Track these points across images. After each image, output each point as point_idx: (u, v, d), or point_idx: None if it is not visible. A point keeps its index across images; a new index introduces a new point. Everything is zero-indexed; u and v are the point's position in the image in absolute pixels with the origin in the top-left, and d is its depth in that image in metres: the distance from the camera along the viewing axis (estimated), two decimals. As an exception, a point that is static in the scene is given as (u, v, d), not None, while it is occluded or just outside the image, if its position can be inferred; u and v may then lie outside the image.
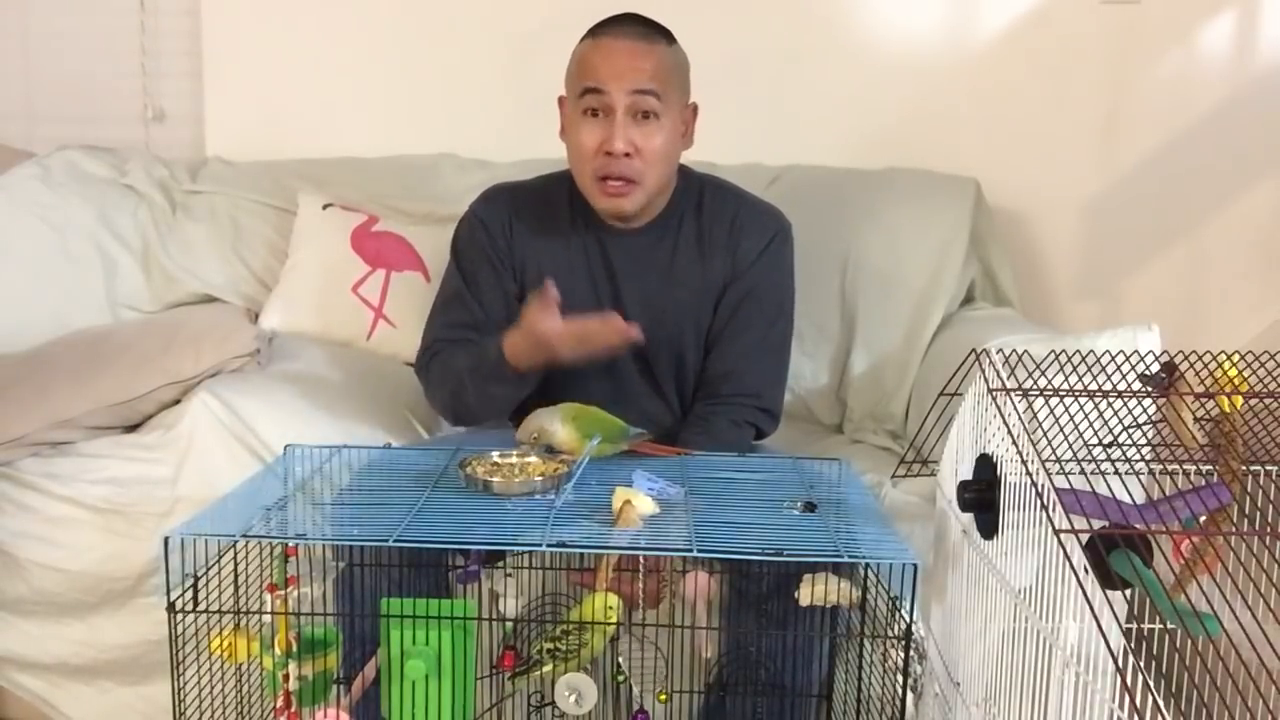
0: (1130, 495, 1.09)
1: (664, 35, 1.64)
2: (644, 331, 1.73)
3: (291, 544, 1.24)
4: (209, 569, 1.19)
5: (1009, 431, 1.07)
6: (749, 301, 1.72)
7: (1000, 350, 1.20)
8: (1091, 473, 1.15)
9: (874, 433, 2.11)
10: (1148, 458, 1.25)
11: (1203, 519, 1.12)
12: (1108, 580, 1.01)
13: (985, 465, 1.16)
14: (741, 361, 1.72)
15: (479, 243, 1.73)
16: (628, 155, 1.60)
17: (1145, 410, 1.22)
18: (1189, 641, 0.88)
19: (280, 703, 1.23)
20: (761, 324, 1.72)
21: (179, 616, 1.16)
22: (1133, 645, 0.86)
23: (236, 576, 1.23)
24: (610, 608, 1.27)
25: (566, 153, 1.69)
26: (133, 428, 1.79)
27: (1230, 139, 2.39)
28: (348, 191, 2.33)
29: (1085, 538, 0.96)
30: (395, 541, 1.14)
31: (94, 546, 1.69)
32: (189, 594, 1.16)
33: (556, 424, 1.40)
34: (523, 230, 1.73)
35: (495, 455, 1.41)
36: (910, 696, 1.21)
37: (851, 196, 2.24)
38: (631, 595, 1.37)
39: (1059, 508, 0.93)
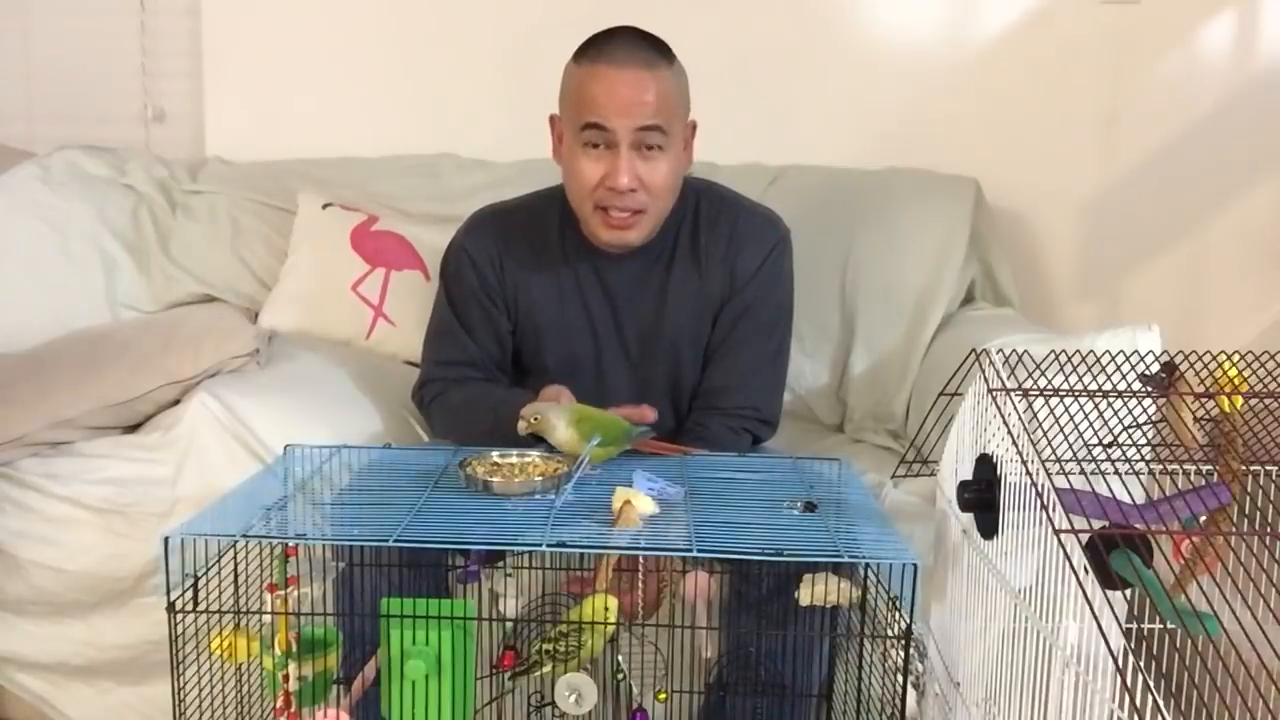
0: (1130, 495, 1.09)
1: (664, 55, 1.56)
2: (640, 352, 1.72)
3: (291, 544, 1.24)
4: (209, 569, 1.19)
5: (1009, 431, 1.07)
6: (748, 316, 1.69)
7: (1000, 350, 1.20)
8: (1091, 473, 1.15)
9: (874, 433, 2.11)
10: (1148, 458, 1.25)
11: (1203, 519, 1.12)
12: (1108, 580, 1.01)
13: (985, 465, 1.16)
14: (741, 375, 1.70)
15: (468, 282, 1.69)
16: (632, 190, 1.55)
17: (1145, 410, 1.22)
18: (1189, 641, 0.88)
19: (280, 703, 1.23)
20: (761, 338, 1.70)
21: (179, 616, 1.16)
22: (1133, 645, 0.86)
23: (236, 576, 1.23)
24: (608, 609, 1.26)
25: (563, 177, 1.65)
26: (133, 428, 1.79)
27: (1230, 139, 2.39)
28: (348, 191, 2.33)
29: (1085, 538, 0.96)
30: (395, 541, 1.14)
31: (94, 546, 1.69)
32: (189, 594, 1.16)
33: (560, 421, 1.39)
34: (513, 261, 1.69)
35: (495, 455, 1.41)
36: (913, 694, 1.21)
37: (851, 196, 2.24)
38: (630, 605, 1.36)
39: (1059, 508, 0.93)
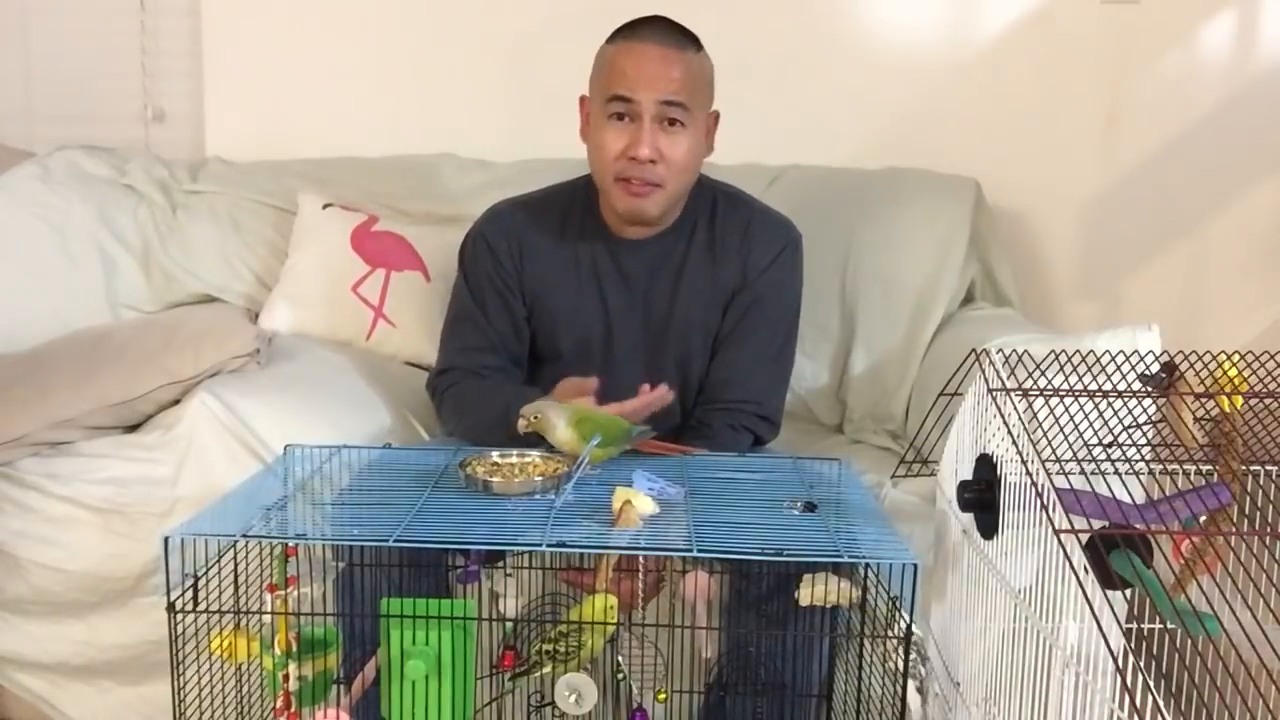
0: (1130, 495, 1.09)
1: (693, 42, 1.63)
2: (653, 338, 1.74)
3: (291, 544, 1.24)
4: (209, 569, 1.19)
5: (1009, 431, 1.07)
6: (756, 310, 1.72)
7: (1000, 350, 1.20)
8: (1091, 473, 1.15)
9: (874, 433, 2.11)
10: (1148, 458, 1.25)
11: (1203, 519, 1.12)
12: (1108, 580, 1.01)
13: (985, 465, 1.16)
14: (744, 369, 1.72)
15: (485, 269, 1.73)
16: (652, 161, 1.60)
17: (1145, 410, 1.22)
18: (1189, 641, 0.88)
19: (280, 703, 1.23)
20: (766, 332, 1.73)
21: (179, 616, 1.16)
22: (1133, 645, 0.86)
23: (236, 576, 1.23)
24: (610, 608, 1.27)
25: (588, 151, 1.68)
26: (133, 428, 1.79)
27: (1230, 139, 2.39)
28: (348, 191, 2.33)
29: (1085, 538, 0.96)
30: (395, 541, 1.14)
31: (94, 546, 1.69)
32: (189, 594, 1.16)
33: (560, 421, 1.39)
34: (531, 251, 1.72)
35: (495, 455, 1.41)
36: (917, 698, 1.21)
37: (851, 196, 2.24)
38: (630, 594, 1.36)
39: (1059, 508, 0.93)
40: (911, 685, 1.20)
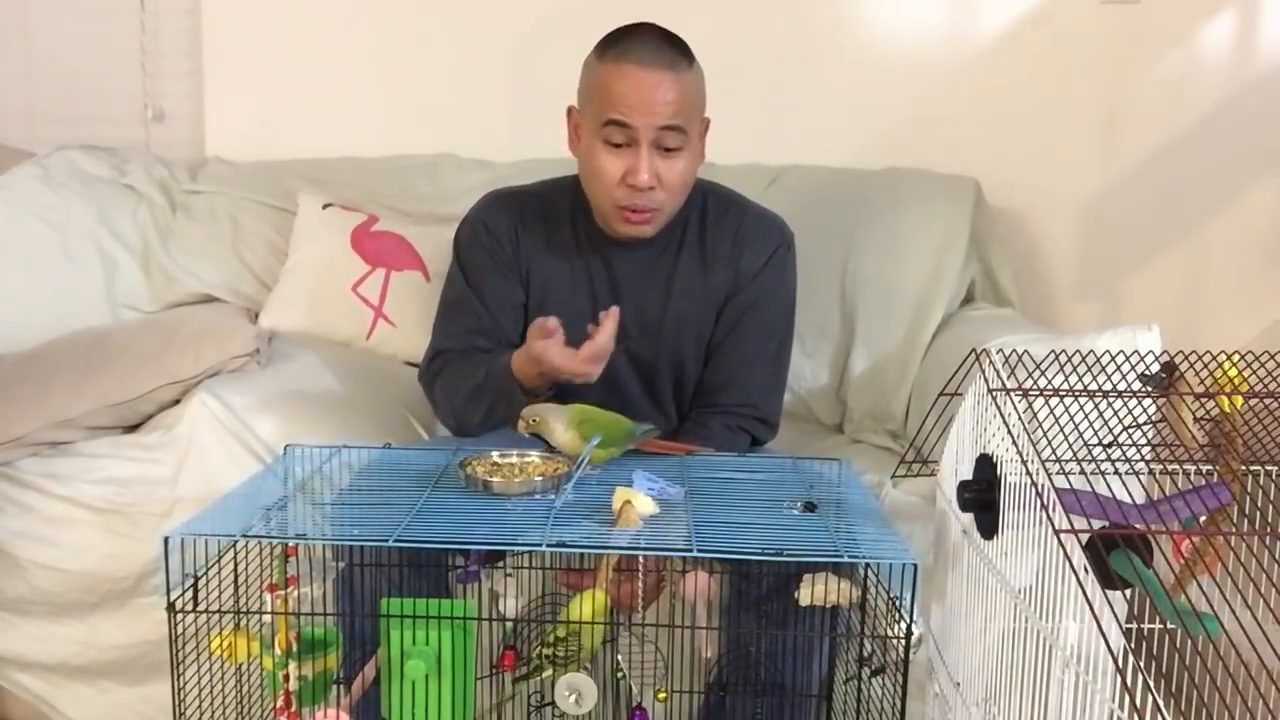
0: (1130, 495, 1.09)
1: (685, 55, 1.58)
2: (646, 344, 1.72)
3: (291, 544, 1.24)
4: (209, 569, 1.19)
5: (1009, 431, 1.07)
6: (751, 313, 1.71)
7: (1000, 350, 1.20)
8: (1091, 473, 1.15)
9: (874, 433, 2.11)
10: (1148, 458, 1.25)
11: (1203, 519, 1.12)
12: (1108, 580, 1.01)
13: (985, 465, 1.16)
14: (740, 372, 1.71)
15: (484, 247, 1.70)
16: (651, 188, 1.58)
17: (1145, 410, 1.22)
18: (1189, 641, 0.88)
19: (280, 703, 1.23)
20: (762, 335, 1.72)
21: (179, 616, 1.16)
22: (1133, 645, 0.86)
23: (236, 576, 1.23)
24: (596, 611, 1.26)
25: (579, 169, 1.66)
26: (133, 428, 1.79)
27: (1230, 139, 2.39)
28: (348, 191, 2.33)
29: (1085, 538, 0.96)
30: (395, 541, 1.14)
31: (94, 546, 1.69)
32: (189, 594, 1.16)
33: (559, 424, 1.39)
34: (528, 240, 1.71)
35: (495, 455, 1.41)
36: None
37: (851, 197, 2.24)
38: (630, 596, 1.36)
39: (1059, 508, 0.93)
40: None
